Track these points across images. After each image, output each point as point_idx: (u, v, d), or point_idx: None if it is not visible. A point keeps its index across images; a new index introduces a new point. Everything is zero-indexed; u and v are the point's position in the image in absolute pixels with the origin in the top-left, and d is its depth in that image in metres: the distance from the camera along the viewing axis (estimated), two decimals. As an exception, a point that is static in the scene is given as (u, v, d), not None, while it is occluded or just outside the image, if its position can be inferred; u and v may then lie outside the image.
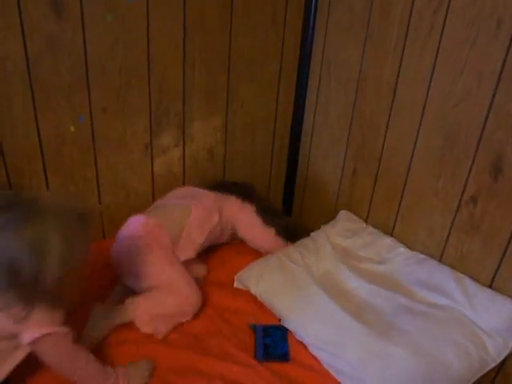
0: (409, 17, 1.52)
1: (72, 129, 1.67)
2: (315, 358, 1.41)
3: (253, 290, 1.62)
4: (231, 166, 2.07)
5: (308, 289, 1.57)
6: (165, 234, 1.62)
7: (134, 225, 1.63)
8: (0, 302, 1.04)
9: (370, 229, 1.79)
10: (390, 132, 1.67)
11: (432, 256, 1.62)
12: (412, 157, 1.61)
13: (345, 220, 1.86)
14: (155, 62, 1.72)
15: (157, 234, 1.60)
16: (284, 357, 1.41)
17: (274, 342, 1.46)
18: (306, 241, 1.81)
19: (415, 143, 1.59)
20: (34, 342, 1.11)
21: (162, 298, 1.50)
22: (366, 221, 1.84)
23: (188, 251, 1.67)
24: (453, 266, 1.56)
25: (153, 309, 1.48)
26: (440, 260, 1.61)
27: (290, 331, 1.49)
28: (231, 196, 1.84)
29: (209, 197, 1.79)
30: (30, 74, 1.54)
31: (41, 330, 1.09)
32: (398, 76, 1.60)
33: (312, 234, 1.84)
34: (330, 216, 1.92)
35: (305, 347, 1.44)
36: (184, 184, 1.99)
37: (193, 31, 1.75)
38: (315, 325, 1.45)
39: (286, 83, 2.03)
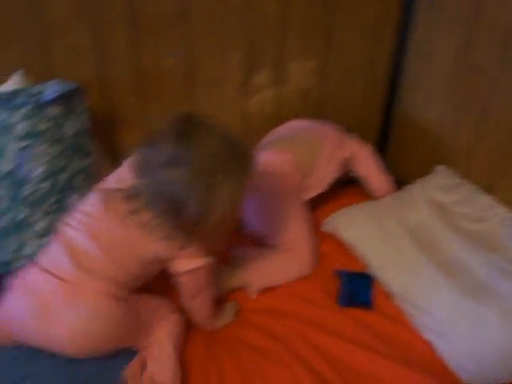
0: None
1: (169, 62, 1.68)
2: (399, 310, 1.39)
3: (342, 235, 1.60)
4: (325, 109, 2.00)
5: (399, 239, 1.53)
6: (297, 173, 1.55)
7: (268, 159, 1.53)
8: (163, 230, 1.08)
9: (469, 185, 1.69)
10: (502, 83, 1.53)
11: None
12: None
13: (442, 175, 1.76)
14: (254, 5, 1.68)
15: (290, 173, 1.54)
16: (367, 304, 1.41)
17: (358, 288, 1.45)
18: (400, 193, 1.75)
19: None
20: (183, 273, 1.16)
21: (283, 268, 1.46)
22: (465, 177, 1.73)
23: (315, 189, 1.61)
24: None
25: (268, 278, 1.45)
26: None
27: (375, 279, 1.47)
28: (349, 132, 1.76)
29: (333, 129, 1.71)
30: (131, 3, 1.55)
31: (195, 263, 1.14)
32: None
33: (408, 186, 1.76)
34: (425, 169, 1.82)
35: (389, 297, 1.43)
36: (277, 125, 1.95)
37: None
38: (403, 276, 1.42)
39: (388, 23, 1.90)
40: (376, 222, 1.60)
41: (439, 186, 1.71)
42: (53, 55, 1.55)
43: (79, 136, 1.50)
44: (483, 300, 1.29)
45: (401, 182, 1.82)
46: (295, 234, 1.51)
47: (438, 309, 1.31)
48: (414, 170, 1.89)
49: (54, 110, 1.45)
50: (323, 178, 1.63)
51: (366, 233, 1.58)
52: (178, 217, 1.04)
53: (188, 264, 1.14)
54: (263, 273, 1.45)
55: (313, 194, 1.61)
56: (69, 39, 1.54)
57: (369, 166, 1.76)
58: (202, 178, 1.01)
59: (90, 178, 1.53)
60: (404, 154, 2.05)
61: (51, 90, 1.46)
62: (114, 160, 1.72)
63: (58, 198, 1.45)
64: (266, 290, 1.44)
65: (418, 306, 1.35)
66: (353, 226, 1.60)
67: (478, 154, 1.68)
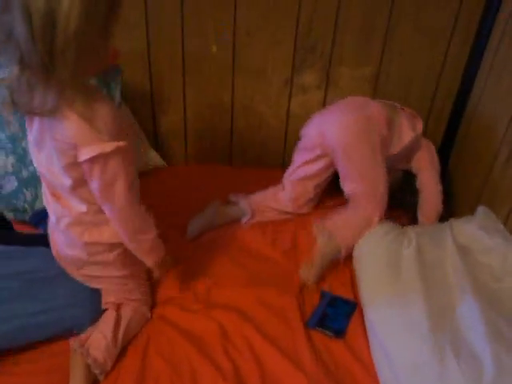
0: None
1: (214, 48, 1.69)
2: (368, 346, 1.26)
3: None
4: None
5: (405, 274, 1.36)
6: (385, 120, 1.54)
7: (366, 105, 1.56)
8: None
9: (507, 234, 1.45)
10: None
11: None
12: None
13: (482, 217, 1.53)
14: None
15: (381, 116, 1.53)
16: (337, 332, 1.29)
17: (335, 313, 1.34)
18: (434, 227, 1.59)
19: None
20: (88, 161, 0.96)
21: (361, 227, 1.50)
22: (505, 222, 1.49)
23: (395, 147, 1.58)
24: None
25: (353, 241, 1.50)
26: None
27: (361, 310, 1.35)
28: None
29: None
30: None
31: (101, 148, 0.94)
32: None
33: (443, 223, 1.58)
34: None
35: (365, 331, 1.29)
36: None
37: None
38: (391, 322, 1.26)
39: (460, 35, 1.69)
40: (391, 248, 1.45)
41: (474, 230, 1.50)
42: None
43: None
44: (460, 364, 1.11)
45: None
46: (372, 186, 1.52)
47: (402, 360, 1.16)
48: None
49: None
50: (402, 137, 1.59)
51: (373, 259, 1.44)
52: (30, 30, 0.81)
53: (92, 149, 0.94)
54: (349, 238, 1.49)
55: (392, 151, 1.57)
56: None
57: (429, 163, 1.68)
58: None
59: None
60: (460, 182, 1.82)
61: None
62: (150, 136, 1.82)
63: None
64: (242, 293, 1.39)
65: (388, 356, 1.20)
66: (362, 246, 1.48)
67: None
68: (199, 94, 1.77)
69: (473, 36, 1.68)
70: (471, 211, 1.59)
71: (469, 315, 1.23)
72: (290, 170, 1.67)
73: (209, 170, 1.87)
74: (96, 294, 1.24)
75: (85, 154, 0.94)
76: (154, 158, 1.82)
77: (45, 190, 1.13)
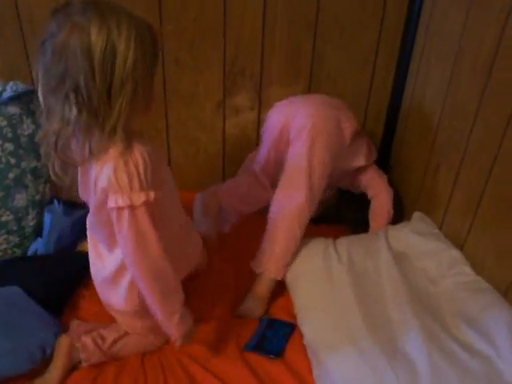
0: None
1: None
2: (308, 365, 1.22)
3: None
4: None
5: (339, 286, 1.35)
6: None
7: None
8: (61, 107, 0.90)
9: (441, 237, 1.46)
10: (478, 122, 1.31)
11: (498, 287, 1.25)
12: (496, 157, 1.23)
13: (417, 223, 1.54)
14: (232, 15, 1.62)
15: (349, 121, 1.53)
16: (275, 353, 1.26)
17: (273, 336, 1.32)
18: (363, 235, 1.58)
19: (502, 140, 1.21)
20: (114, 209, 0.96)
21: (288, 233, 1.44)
22: (440, 226, 1.50)
23: (344, 164, 1.60)
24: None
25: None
26: (505, 295, 1.22)
27: (299, 331, 1.32)
28: None
29: None
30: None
31: (123, 198, 0.93)
32: (497, 49, 1.22)
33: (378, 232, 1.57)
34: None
35: (305, 350, 1.26)
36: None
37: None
38: (327, 339, 1.23)
39: (384, 55, 1.73)
40: (322, 265, 1.42)
41: (409, 235, 1.50)
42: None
43: (35, 137, 1.53)
44: (394, 367, 1.09)
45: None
46: (312, 179, 1.45)
47: (341, 376, 1.13)
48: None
49: (11, 109, 1.50)
50: (354, 160, 1.61)
51: (306, 275, 1.42)
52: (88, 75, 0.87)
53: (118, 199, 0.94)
54: (279, 255, 1.42)
55: (341, 165, 1.57)
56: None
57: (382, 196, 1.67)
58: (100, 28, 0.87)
59: (40, 179, 1.55)
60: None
61: (11, 89, 1.51)
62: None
63: (4, 194, 1.48)
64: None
65: (325, 366, 1.16)
66: (296, 262, 1.44)
67: (453, 200, 1.44)
68: (181, 123, 1.77)
69: (396, 59, 1.73)
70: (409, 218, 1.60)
71: (404, 323, 1.22)
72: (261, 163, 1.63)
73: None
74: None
75: (112, 202, 0.94)
76: None
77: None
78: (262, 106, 1.78)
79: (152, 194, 0.95)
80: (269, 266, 1.40)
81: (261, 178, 1.64)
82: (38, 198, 1.55)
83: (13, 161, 1.50)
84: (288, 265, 1.42)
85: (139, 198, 0.94)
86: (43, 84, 0.91)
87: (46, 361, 1.15)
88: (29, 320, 1.19)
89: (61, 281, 1.36)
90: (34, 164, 1.53)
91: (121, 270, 1.10)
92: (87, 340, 1.17)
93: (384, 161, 1.83)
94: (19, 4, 1.51)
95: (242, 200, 1.68)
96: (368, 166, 1.67)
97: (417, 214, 1.57)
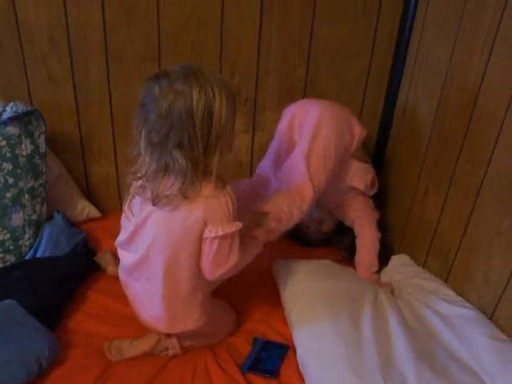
0: (502, 9, 1.18)
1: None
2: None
3: (280, 289, 1.48)
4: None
5: (333, 308, 1.35)
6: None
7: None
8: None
9: (427, 274, 1.51)
10: (465, 150, 1.34)
11: (484, 310, 1.28)
12: (481, 185, 1.27)
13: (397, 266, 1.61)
14: (228, 41, 1.65)
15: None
16: (272, 373, 1.26)
17: (268, 356, 1.31)
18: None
19: (487, 168, 1.24)
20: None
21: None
22: (428, 248, 1.53)
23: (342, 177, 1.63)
24: (502, 328, 1.20)
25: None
26: (491, 317, 1.25)
27: (294, 351, 1.31)
28: None
29: None
30: (106, 42, 1.60)
31: (227, 228, 1.12)
32: (482, 80, 1.26)
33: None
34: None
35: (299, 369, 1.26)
36: (251, 173, 1.86)
37: (271, 12, 1.63)
38: (320, 356, 1.24)
39: (374, 82, 1.78)
40: (320, 279, 1.46)
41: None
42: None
43: (33, 157, 1.54)
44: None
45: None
46: (315, 175, 1.46)
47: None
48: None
49: (10, 130, 1.51)
50: (353, 179, 1.63)
51: (306, 287, 1.44)
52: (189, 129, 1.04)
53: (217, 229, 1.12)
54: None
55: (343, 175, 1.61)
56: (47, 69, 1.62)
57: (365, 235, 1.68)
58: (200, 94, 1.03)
59: (37, 198, 1.56)
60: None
61: (11, 110, 1.52)
62: (84, 187, 1.79)
63: (1, 213, 1.48)
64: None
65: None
66: (294, 280, 1.46)
67: (440, 225, 1.47)
68: (130, 143, 1.74)
69: (385, 86, 1.77)
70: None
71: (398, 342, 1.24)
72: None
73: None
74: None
75: (211, 232, 1.11)
76: (88, 208, 1.77)
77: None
78: (255, 130, 1.80)
79: (240, 224, 1.14)
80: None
81: (266, 175, 1.64)
82: (34, 217, 1.55)
83: (11, 180, 1.51)
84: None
85: (232, 227, 1.13)
86: (146, 139, 1.07)
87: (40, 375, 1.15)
88: (24, 333, 1.19)
89: (53, 287, 1.36)
90: (31, 184, 1.54)
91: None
92: (173, 340, 1.30)
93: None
94: (20, 26, 1.53)
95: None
96: (362, 200, 1.69)
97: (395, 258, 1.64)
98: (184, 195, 1.08)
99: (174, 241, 1.14)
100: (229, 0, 1.59)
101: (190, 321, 1.26)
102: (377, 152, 1.86)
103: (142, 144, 1.08)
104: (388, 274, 1.61)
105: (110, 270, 1.51)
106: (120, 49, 1.61)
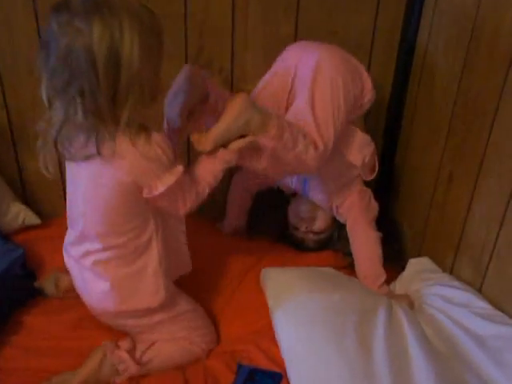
0: None
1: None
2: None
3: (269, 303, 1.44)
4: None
5: (339, 333, 1.30)
6: None
7: None
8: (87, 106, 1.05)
9: (455, 282, 1.46)
10: (498, 123, 1.27)
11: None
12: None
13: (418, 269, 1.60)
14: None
15: None
16: None
17: None
18: None
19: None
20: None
21: None
22: (456, 249, 1.48)
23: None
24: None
25: None
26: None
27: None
28: None
29: None
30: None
31: (168, 180, 1.15)
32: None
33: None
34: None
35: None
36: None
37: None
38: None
39: (383, 41, 1.72)
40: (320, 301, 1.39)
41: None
42: None
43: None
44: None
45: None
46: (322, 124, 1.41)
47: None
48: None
49: None
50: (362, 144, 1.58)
51: (298, 303, 1.39)
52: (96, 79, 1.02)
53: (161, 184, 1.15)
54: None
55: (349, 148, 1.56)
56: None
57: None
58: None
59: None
60: (401, 206, 1.84)
61: None
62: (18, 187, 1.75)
63: None
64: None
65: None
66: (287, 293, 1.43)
67: (469, 218, 1.41)
68: None
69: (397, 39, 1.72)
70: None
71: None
72: None
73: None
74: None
75: (160, 188, 1.15)
76: (24, 214, 1.71)
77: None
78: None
79: (181, 168, 1.17)
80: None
81: None
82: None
83: None
84: None
85: (172, 177, 1.15)
86: (48, 85, 1.07)
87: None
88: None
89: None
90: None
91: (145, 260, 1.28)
92: (122, 352, 1.29)
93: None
94: None
95: None
96: (355, 191, 1.66)
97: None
98: (98, 152, 1.09)
99: (106, 207, 1.19)
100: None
101: (138, 297, 1.29)
102: (388, 127, 1.82)
103: (44, 91, 1.08)
104: (405, 282, 1.57)
105: (56, 293, 1.50)
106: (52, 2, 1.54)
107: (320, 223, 1.74)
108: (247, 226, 1.88)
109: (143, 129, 1.11)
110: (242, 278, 1.59)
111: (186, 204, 1.24)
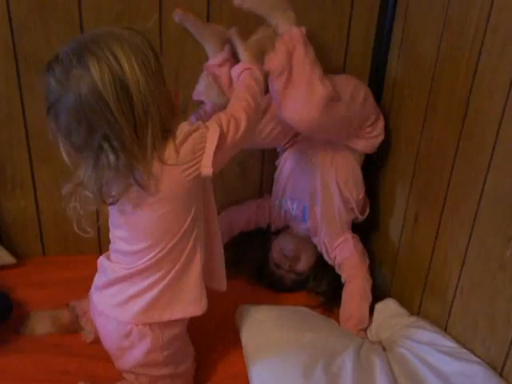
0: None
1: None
2: None
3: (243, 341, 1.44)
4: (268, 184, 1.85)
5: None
6: None
7: None
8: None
9: (421, 322, 1.46)
10: (457, 165, 1.31)
11: (493, 364, 1.21)
12: (478, 209, 1.23)
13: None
14: (169, 38, 1.60)
15: None
16: None
17: None
18: None
19: (483, 188, 1.21)
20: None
21: None
22: (423, 287, 1.48)
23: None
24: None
25: None
26: (501, 373, 1.19)
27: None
28: None
29: None
30: (14, 44, 1.54)
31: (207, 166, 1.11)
32: (473, 79, 1.24)
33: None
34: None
35: None
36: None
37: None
38: None
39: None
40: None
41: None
42: None
43: None
44: None
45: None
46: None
47: None
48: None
49: None
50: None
51: (270, 342, 1.39)
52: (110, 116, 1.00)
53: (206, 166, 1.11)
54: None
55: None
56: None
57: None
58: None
59: None
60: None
61: None
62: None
63: None
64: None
65: None
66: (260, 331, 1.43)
67: (434, 260, 1.42)
68: (52, 172, 1.69)
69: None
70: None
71: None
72: None
73: (72, 261, 1.78)
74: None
75: (207, 166, 1.10)
76: (0, 254, 1.69)
77: None
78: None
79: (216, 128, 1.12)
80: None
81: None
82: None
83: None
84: None
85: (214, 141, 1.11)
86: (67, 144, 1.06)
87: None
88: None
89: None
90: None
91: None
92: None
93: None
94: None
95: None
96: (349, 238, 1.68)
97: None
98: (140, 186, 1.07)
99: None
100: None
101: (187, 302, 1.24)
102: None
103: (65, 153, 1.07)
104: (374, 331, 1.55)
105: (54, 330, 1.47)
106: (33, 51, 1.55)
107: (303, 264, 1.72)
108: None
109: (167, 138, 1.08)
110: (218, 319, 1.56)
111: (243, 135, 1.17)
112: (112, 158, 1.02)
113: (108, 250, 1.32)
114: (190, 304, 1.23)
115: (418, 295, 1.51)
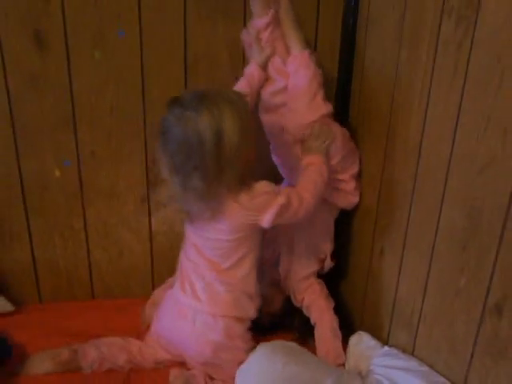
0: (434, 51, 1.28)
1: (57, 173, 1.72)
2: None
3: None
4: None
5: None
6: None
7: None
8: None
9: (394, 350, 1.52)
10: (415, 203, 1.41)
11: (456, 383, 1.29)
12: (434, 242, 1.33)
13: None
14: (152, 104, 1.71)
15: None
16: None
17: None
18: None
19: (438, 222, 1.30)
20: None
21: None
22: (391, 316, 1.56)
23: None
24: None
25: None
26: None
27: None
28: None
29: None
30: (11, 112, 1.63)
31: (274, 207, 1.40)
32: (423, 126, 1.35)
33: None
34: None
35: None
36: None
37: (195, 67, 1.71)
38: None
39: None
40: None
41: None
42: None
43: None
44: None
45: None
46: None
47: None
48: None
49: None
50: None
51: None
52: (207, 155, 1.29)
53: (269, 213, 1.39)
54: None
55: None
56: None
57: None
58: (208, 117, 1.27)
59: None
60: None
61: None
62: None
63: None
64: None
65: None
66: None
67: (400, 291, 1.51)
68: (46, 224, 1.77)
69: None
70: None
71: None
72: None
73: (66, 308, 1.83)
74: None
75: (266, 220, 1.40)
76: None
77: None
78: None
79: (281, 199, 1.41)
80: None
81: None
82: None
83: None
84: None
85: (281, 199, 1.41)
86: (169, 163, 1.35)
87: None
88: None
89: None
90: None
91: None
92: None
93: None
94: None
95: None
96: (317, 286, 1.76)
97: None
98: (212, 214, 1.37)
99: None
100: (149, 60, 1.66)
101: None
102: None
103: (166, 170, 1.37)
104: (353, 363, 1.60)
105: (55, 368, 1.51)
106: (29, 119, 1.65)
107: (275, 305, 1.80)
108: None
109: (244, 184, 1.36)
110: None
111: (300, 211, 1.44)
112: (196, 183, 1.31)
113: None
114: None
115: (387, 324, 1.58)
